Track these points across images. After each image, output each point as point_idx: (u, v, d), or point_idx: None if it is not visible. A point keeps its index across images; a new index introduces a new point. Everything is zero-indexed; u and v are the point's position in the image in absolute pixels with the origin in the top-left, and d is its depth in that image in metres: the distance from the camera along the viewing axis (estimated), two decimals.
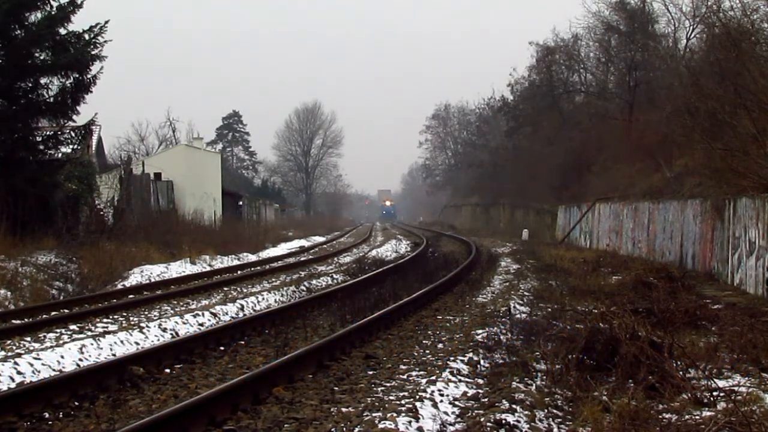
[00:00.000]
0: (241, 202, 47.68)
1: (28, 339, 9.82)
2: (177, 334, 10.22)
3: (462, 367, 7.65)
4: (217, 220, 35.24)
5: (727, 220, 15.76)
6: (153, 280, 17.24)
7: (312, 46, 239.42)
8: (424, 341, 9.56)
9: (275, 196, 76.24)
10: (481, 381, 7.24)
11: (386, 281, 15.71)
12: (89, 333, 10.22)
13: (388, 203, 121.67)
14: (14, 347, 9.26)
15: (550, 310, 11.57)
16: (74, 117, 21.14)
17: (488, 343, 8.88)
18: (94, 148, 32.57)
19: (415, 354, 8.73)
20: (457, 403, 6.45)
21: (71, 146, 21.65)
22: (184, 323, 10.84)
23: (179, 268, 19.49)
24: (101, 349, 8.94)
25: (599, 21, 40.64)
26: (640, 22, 38.56)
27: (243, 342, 9.71)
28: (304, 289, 15.45)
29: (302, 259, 25.40)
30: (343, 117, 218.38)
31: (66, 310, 12.54)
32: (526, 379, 7.13)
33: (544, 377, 7.23)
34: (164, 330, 10.29)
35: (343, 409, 6.31)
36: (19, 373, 7.64)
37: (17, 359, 7.92)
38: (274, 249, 30.71)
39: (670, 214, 20.40)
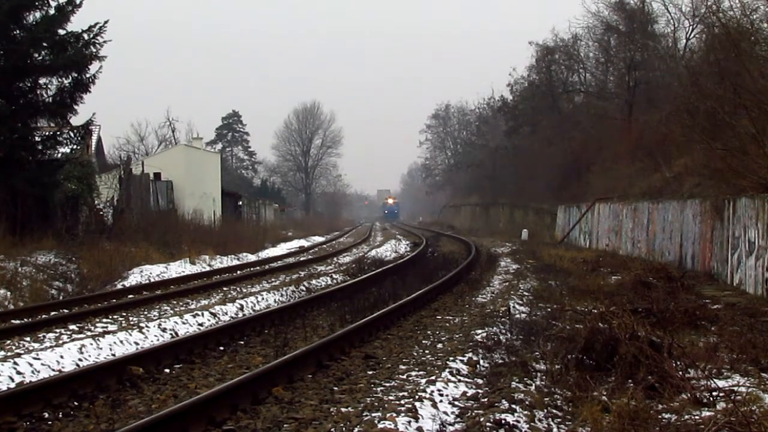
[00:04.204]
0: (240, 202, 47.65)
1: (28, 339, 9.82)
2: (176, 334, 10.23)
3: (461, 367, 7.65)
4: (216, 220, 35.21)
5: (727, 220, 15.76)
6: (152, 280, 17.23)
7: (312, 46, 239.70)
8: (423, 341, 9.56)
9: (275, 196, 76.20)
10: (480, 381, 7.24)
11: (386, 281, 15.71)
12: (89, 333, 10.22)
13: (390, 201, 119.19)
14: (14, 347, 9.26)
15: (549, 310, 11.58)
16: (73, 117, 21.19)
17: (488, 343, 8.88)
18: (93, 148, 32.57)
19: (415, 354, 8.73)
20: (456, 403, 6.45)
21: (70, 146, 21.66)
22: (183, 323, 10.84)
23: (179, 268, 19.48)
24: (101, 349, 8.94)
25: (599, 21, 40.74)
26: (640, 22, 38.56)
27: (242, 342, 9.71)
28: (304, 289, 15.45)
29: (302, 259, 25.40)
30: (342, 117, 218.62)
31: (65, 310, 12.54)
32: (525, 379, 7.13)
33: (544, 377, 7.23)
34: (164, 330, 10.29)
35: (343, 409, 6.31)
36: (18, 373, 7.63)
37: (17, 359, 7.91)
38: (274, 249, 30.71)
39: (669, 214, 20.41)
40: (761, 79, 15.87)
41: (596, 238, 29.02)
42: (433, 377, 7.13)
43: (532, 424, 5.84)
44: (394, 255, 26.31)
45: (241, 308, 12.60)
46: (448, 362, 7.78)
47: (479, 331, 9.66)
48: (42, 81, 20.48)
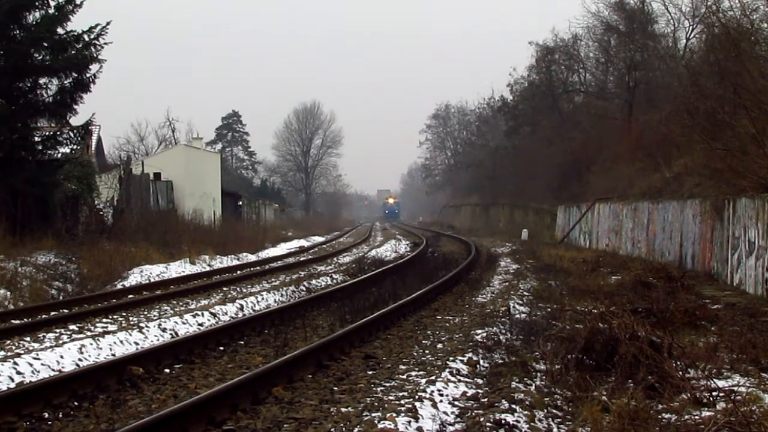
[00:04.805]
0: (240, 202, 47.67)
1: (28, 339, 9.82)
2: (176, 334, 10.23)
3: (461, 367, 7.65)
4: (216, 220, 35.22)
5: (727, 220, 15.76)
6: (152, 280, 17.23)
7: (312, 46, 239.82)
8: (423, 341, 9.56)
9: (275, 196, 76.21)
10: (480, 381, 7.24)
11: (386, 281, 15.71)
12: (89, 333, 10.22)
13: (391, 201, 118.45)
14: (14, 347, 9.26)
15: (549, 310, 11.58)
16: (73, 117, 21.21)
17: (488, 343, 8.88)
18: (93, 148, 32.58)
19: (415, 354, 8.73)
20: (456, 403, 6.45)
21: (70, 146, 21.66)
22: (183, 323, 10.84)
23: (179, 268, 19.48)
24: (101, 349, 8.94)
25: (599, 21, 40.72)
26: (640, 22, 38.54)
27: (242, 342, 9.71)
28: (304, 289, 15.45)
29: (302, 259, 25.40)
30: (342, 117, 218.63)
31: (65, 310, 12.54)
32: (525, 379, 7.13)
33: (544, 377, 7.23)
34: (164, 330, 10.29)
35: (343, 409, 6.31)
36: (18, 373, 7.64)
37: (17, 359, 7.91)
38: (274, 249, 30.71)
39: (669, 214, 20.41)
40: (761, 79, 15.87)
41: (596, 238, 29.02)
42: (433, 377, 7.13)
43: (532, 424, 5.84)
44: (394, 255, 26.31)
45: (241, 308, 12.60)
46: (448, 362, 7.78)
47: (479, 331, 9.65)
48: (42, 81, 20.48)
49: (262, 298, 13.69)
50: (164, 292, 14.98)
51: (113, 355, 8.77)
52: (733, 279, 15.14)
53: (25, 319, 11.55)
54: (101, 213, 23.97)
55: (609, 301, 11.59)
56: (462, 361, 7.89)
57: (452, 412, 6.18)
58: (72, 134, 21.36)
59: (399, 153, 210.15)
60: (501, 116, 55.63)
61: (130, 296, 14.43)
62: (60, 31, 20.41)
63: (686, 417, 5.68)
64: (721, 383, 6.49)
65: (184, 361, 8.49)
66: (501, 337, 9.34)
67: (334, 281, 17.23)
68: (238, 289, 15.89)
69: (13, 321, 11.35)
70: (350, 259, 25.41)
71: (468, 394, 6.71)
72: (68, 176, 21.65)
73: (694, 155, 20.77)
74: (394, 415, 5.82)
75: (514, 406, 6.14)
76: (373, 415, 5.95)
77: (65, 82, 20.51)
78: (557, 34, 50.28)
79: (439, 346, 9.10)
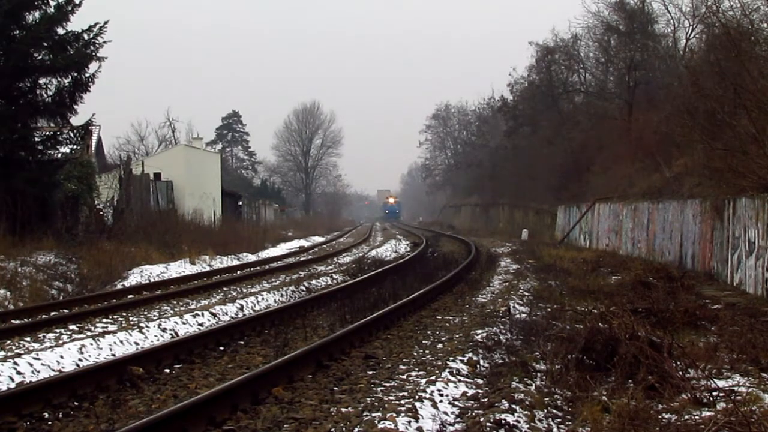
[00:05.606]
0: (240, 202, 47.67)
1: (28, 339, 9.82)
2: (176, 334, 10.23)
3: (461, 367, 7.65)
4: (216, 220, 35.23)
5: (727, 220, 15.76)
6: (152, 280, 17.23)
7: (312, 46, 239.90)
8: (423, 341, 9.56)
9: (275, 196, 76.24)
10: (480, 381, 7.24)
11: (386, 281, 15.70)
12: (89, 333, 10.22)
13: (391, 200, 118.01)
14: (14, 347, 9.26)
15: (549, 310, 11.58)
16: (73, 117, 21.21)
17: (488, 343, 8.88)
18: (93, 148, 32.58)
19: (415, 354, 8.73)
20: (456, 403, 6.45)
21: (70, 146, 21.67)
22: (183, 323, 10.84)
23: (179, 268, 19.48)
24: (101, 349, 8.94)
25: (599, 21, 40.69)
26: (640, 22, 38.55)
27: (242, 342, 9.71)
28: (304, 289, 15.45)
29: (302, 259, 25.40)
30: (343, 117, 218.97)
31: (65, 310, 12.54)
32: (525, 379, 7.13)
33: (544, 377, 7.23)
34: (164, 330, 10.29)
35: (343, 409, 6.31)
36: (18, 373, 7.64)
37: (17, 359, 7.92)
38: (274, 249, 30.72)
39: (669, 214, 20.41)
40: (761, 79, 15.87)
41: (596, 238, 29.01)
42: (433, 377, 7.13)
43: (532, 424, 5.84)
44: (394, 255, 26.31)
45: (241, 308, 12.59)
46: (448, 362, 7.78)
47: (479, 331, 9.66)
48: (42, 81, 20.49)
49: (263, 298, 13.69)
50: (164, 292, 14.98)
51: (113, 355, 8.77)
52: (733, 279, 15.14)
53: (25, 319, 11.55)
54: (101, 213, 23.97)
55: (609, 301, 11.60)
56: (462, 361, 7.89)
57: (452, 412, 6.18)
58: (72, 134, 21.37)
59: (399, 153, 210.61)
60: (501, 116, 55.58)
61: (130, 296, 14.43)
62: (60, 30, 20.43)
63: (686, 417, 5.68)
64: (721, 383, 6.49)
65: (184, 361, 8.49)
66: (501, 337, 9.34)
67: (334, 281, 17.23)
68: (238, 289, 15.89)
69: (13, 321, 11.36)
70: (350, 259, 25.41)
71: (468, 394, 6.71)
72: (68, 176, 21.65)
73: (694, 155, 20.77)
74: (394, 415, 5.82)
75: (514, 406, 6.13)
76: (373, 415, 5.95)
77: (65, 81, 20.52)
78: (557, 34, 50.35)
79: (439, 346, 9.10)
